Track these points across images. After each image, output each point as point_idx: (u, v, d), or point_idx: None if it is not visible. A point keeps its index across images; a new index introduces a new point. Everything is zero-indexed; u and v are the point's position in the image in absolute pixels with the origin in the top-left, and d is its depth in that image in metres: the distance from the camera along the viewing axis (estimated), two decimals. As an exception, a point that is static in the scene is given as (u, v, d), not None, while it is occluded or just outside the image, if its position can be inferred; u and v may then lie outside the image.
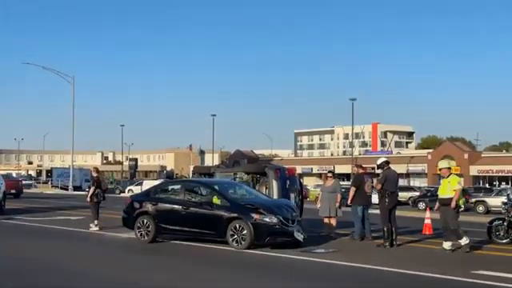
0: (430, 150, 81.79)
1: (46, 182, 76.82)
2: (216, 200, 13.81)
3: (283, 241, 13.39)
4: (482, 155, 75.19)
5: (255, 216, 13.16)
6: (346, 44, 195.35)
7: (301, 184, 18.24)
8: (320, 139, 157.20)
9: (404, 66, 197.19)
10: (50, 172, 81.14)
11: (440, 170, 13.90)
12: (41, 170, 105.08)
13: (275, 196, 16.24)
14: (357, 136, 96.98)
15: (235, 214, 13.32)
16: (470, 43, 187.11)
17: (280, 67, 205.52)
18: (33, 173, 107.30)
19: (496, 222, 15.73)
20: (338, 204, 16.41)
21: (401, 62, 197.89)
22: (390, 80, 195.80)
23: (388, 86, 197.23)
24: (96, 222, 17.66)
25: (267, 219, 13.15)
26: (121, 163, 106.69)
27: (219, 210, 13.57)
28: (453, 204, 13.05)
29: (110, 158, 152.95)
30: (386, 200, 14.16)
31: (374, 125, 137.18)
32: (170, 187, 16.08)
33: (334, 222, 16.52)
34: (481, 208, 37.02)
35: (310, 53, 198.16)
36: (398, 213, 14.98)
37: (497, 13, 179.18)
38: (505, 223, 15.41)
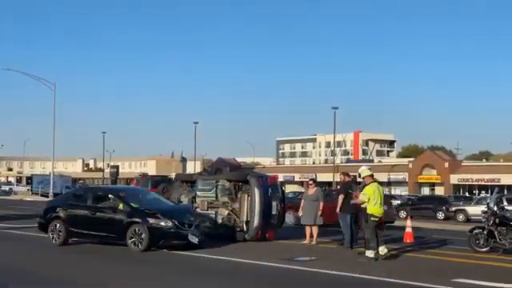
0: (411, 159, 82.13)
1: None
2: (119, 206, 14.73)
3: (178, 243, 14.27)
4: (463, 164, 75.71)
5: (151, 220, 14.11)
6: (329, 52, 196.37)
7: (283, 192, 18.28)
8: (302, 147, 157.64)
9: (385, 75, 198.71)
10: (30, 179, 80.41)
11: (363, 178, 13.96)
12: (21, 177, 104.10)
13: (257, 204, 16.28)
14: (339, 144, 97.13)
15: (134, 219, 14.28)
16: (450, 52, 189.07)
17: (262, 75, 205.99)
18: (13, 179, 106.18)
19: (476, 231, 15.85)
20: (320, 212, 16.43)
21: (382, 71, 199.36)
22: (371, 89, 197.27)
23: (370, 94, 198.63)
24: None
25: (162, 223, 14.10)
26: (102, 170, 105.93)
27: (121, 214, 14.57)
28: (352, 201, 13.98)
29: (91, 165, 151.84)
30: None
31: (356, 133, 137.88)
32: (82, 194, 17.17)
33: (315, 230, 16.54)
34: (461, 216, 37.32)
35: (292, 61, 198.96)
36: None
37: (478, 21, 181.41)
38: (485, 232, 15.54)
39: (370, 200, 13.32)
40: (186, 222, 14.53)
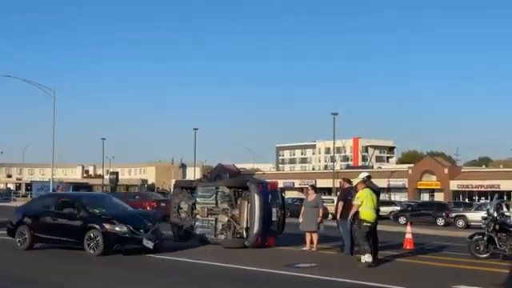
0: (411, 165, 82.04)
1: (25, 196, 76.02)
2: (79, 212, 15.29)
3: (132, 247, 14.79)
4: (462, 170, 75.65)
5: (107, 226, 14.64)
6: (328, 59, 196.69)
7: (283, 198, 18.27)
8: (302, 153, 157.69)
9: (385, 80, 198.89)
10: (29, 185, 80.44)
11: (355, 185, 14.01)
12: (20, 184, 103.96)
13: (257, 211, 16.28)
14: (338, 150, 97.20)
15: (91, 224, 14.80)
16: (449, 59, 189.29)
17: (262, 81, 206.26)
18: (12, 186, 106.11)
19: (476, 237, 15.84)
20: (319, 218, 16.42)
21: (382, 77, 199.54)
22: (371, 95, 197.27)
23: (369, 100, 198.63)
24: None
25: (118, 228, 14.65)
26: (101, 177, 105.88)
27: (80, 220, 15.10)
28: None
29: (91, 172, 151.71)
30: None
31: (356, 139, 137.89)
32: (46, 200, 17.80)
33: (315, 236, 16.53)
34: (461, 223, 37.29)
35: (291, 67, 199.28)
36: (378, 227, 15.04)
37: (472, 27, 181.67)
38: (485, 238, 15.53)
39: (364, 203, 13.36)
40: (142, 227, 15.04)
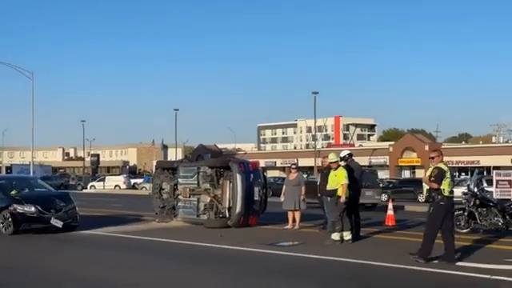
0: (392, 143, 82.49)
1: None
2: None
3: (40, 226, 15.56)
4: (442, 146, 76.15)
5: (16, 206, 15.50)
6: (308, 37, 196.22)
7: (265, 177, 18.27)
8: (283, 133, 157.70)
9: (365, 58, 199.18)
10: (9, 169, 79.63)
11: (330, 163, 13.93)
12: (0, 167, 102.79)
13: (239, 190, 16.26)
14: (319, 129, 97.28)
15: (5, 205, 15.64)
16: (428, 35, 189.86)
17: (242, 60, 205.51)
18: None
19: (457, 212, 15.94)
20: (302, 197, 16.46)
21: (362, 55, 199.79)
22: (351, 73, 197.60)
23: (350, 79, 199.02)
24: None
25: (26, 208, 15.48)
26: (82, 159, 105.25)
27: None
28: (342, 199, 13.16)
29: (72, 154, 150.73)
30: (350, 192, 14.22)
31: (337, 118, 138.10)
32: None
33: (297, 215, 16.58)
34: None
35: (271, 46, 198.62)
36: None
37: (450, 4, 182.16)
38: (465, 213, 15.67)
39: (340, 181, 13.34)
40: (54, 208, 15.76)
